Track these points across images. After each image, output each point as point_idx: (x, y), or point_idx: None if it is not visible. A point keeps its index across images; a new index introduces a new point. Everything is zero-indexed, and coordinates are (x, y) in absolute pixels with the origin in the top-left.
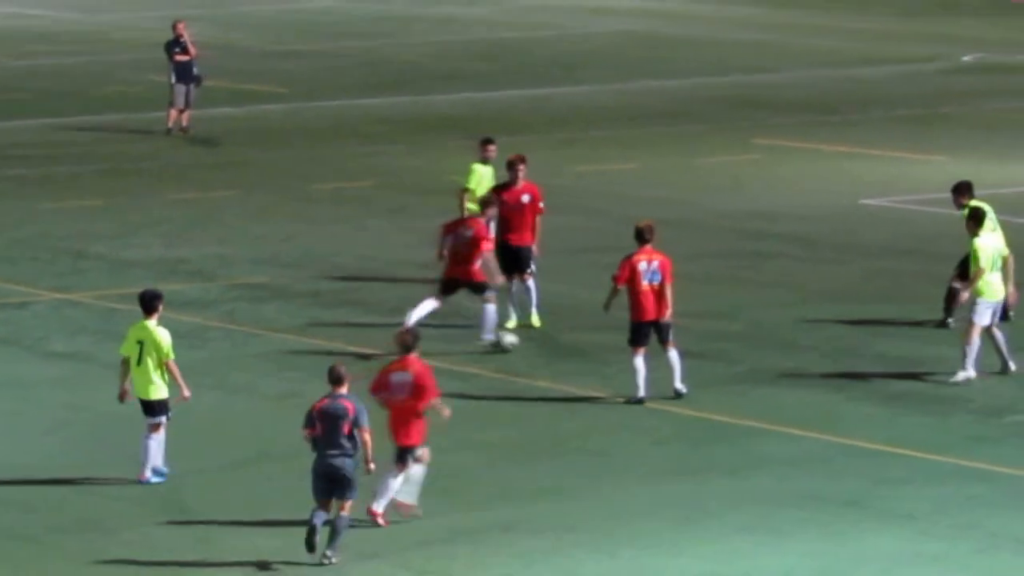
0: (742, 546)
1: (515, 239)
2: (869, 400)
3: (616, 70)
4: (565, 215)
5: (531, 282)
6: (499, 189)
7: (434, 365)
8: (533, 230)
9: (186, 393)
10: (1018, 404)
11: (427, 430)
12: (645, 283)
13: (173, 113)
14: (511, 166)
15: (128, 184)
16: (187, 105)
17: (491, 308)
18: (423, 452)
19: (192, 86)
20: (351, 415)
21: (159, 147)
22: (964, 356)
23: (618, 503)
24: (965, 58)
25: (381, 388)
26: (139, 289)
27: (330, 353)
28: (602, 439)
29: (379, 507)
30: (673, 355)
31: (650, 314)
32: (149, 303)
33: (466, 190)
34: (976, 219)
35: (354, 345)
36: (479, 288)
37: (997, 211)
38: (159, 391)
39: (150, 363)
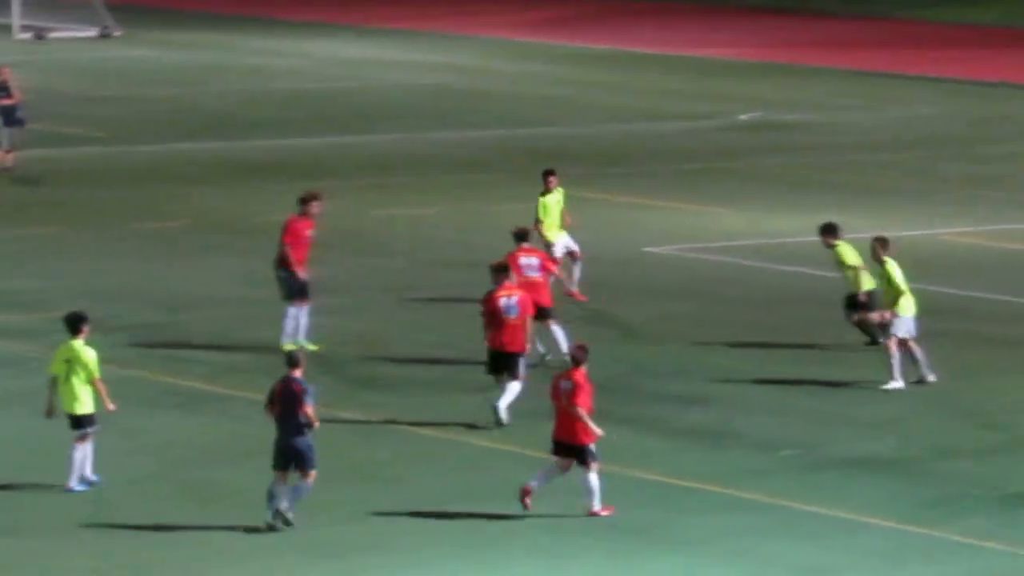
0: (527, 571)
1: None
2: (653, 434)
3: (415, 121)
4: (369, 256)
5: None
6: (292, 221)
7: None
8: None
9: (111, 407)
10: (788, 439)
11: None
12: (507, 316)
13: None
14: (304, 202)
15: None
16: (11, 147)
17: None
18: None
19: (16, 128)
20: (303, 395)
21: None
22: (890, 368)
23: (405, 528)
24: (742, 116)
25: (554, 394)
26: None
27: (156, 384)
28: (401, 467)
29: (597, 504)
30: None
31: (510, 346)
32: (75, 324)
33: (539, 222)
34: (882, 244)
35: (170, 375)
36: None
37: (765, 259)
38: (86, 406)
39: (76, 381)
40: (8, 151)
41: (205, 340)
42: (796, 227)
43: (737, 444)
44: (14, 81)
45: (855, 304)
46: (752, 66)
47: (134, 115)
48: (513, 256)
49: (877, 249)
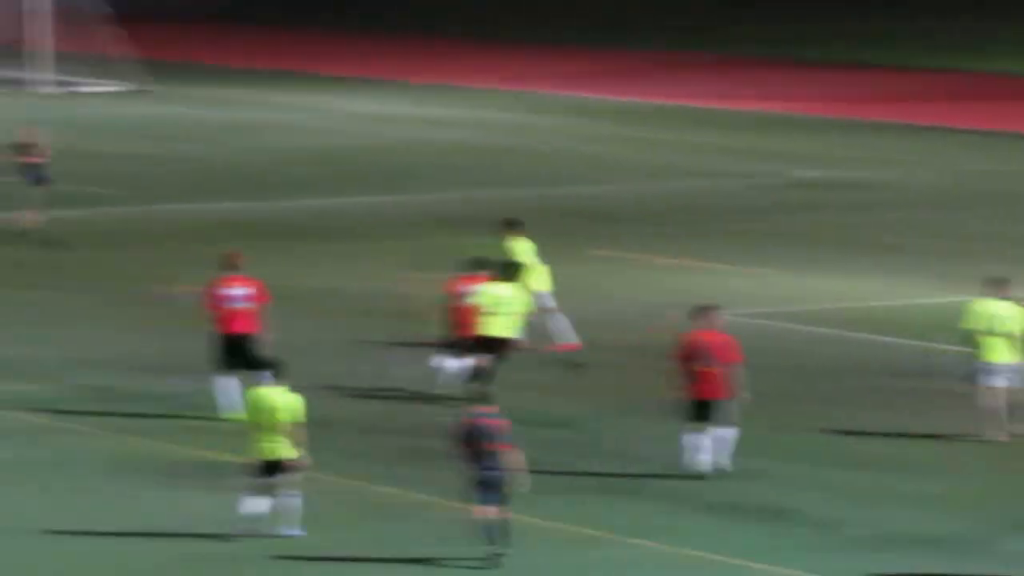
0: None
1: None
2: (702, 510)
3: (449, 180)
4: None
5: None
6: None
7: None
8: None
9: (302, 457)
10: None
11: None
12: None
13: (23, 215)
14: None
15: None
16: (35, 207)
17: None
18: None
19: (42, 188)
20: (498, 433)
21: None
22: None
23: None
24: (795, 173)
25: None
26: None
27: (161, 455)
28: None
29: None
30: None
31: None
32: (274, 370)
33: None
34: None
35: (194, 448)
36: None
37: (819, 324)
38: (284, 452)
39: (276, 426)
40: (33, 212)
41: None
42: (860, 291)
43: (790, 521)
44: (41, 140)
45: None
46: (807, 121)
47: (160, 173)
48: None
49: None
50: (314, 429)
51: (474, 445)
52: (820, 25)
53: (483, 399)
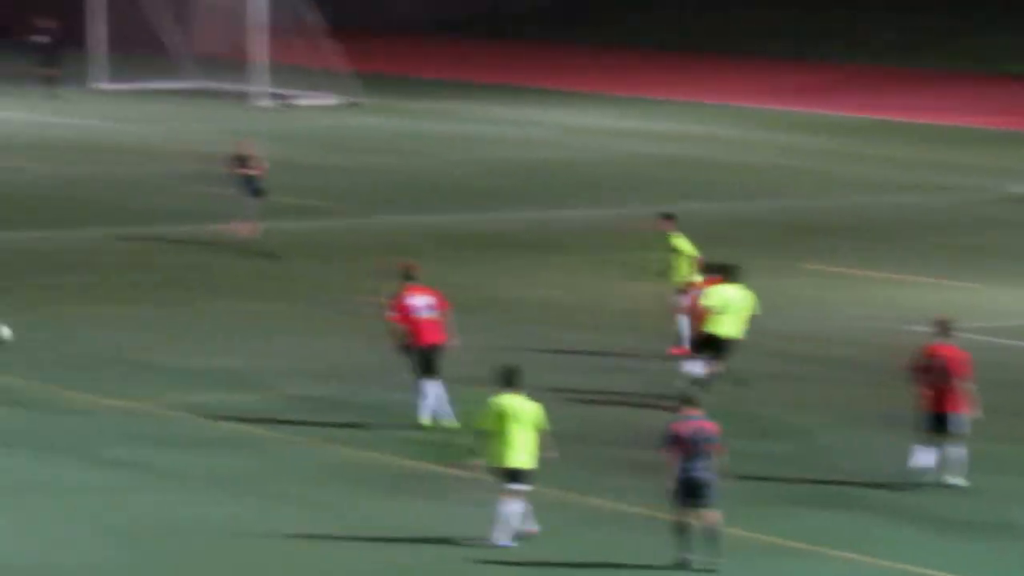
0: None
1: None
2: (924, 523)
3: (659, 193)
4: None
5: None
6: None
7: None
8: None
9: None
10: None
11: None
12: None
13: (240, 225)
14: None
15: (185, 294)
16: (252, 218)
17: None
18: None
19: (258, 200)
20: (709, 436)
21: (215, 258)
22: None
23: None
24: (1009, 188)
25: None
26: (199, 397)
27: (379, 465)
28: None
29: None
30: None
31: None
32: (513, 378)
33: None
34: None
35: (406, 458)
36: None
37: None
38: (526, 460)
39: (518, 434)
40: (248, 223)
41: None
42: None
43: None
44: (258, 152)
45: None
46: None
47: (373, 185)
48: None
49: None
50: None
51: (685, 448)
52: None
53: (691, 402)
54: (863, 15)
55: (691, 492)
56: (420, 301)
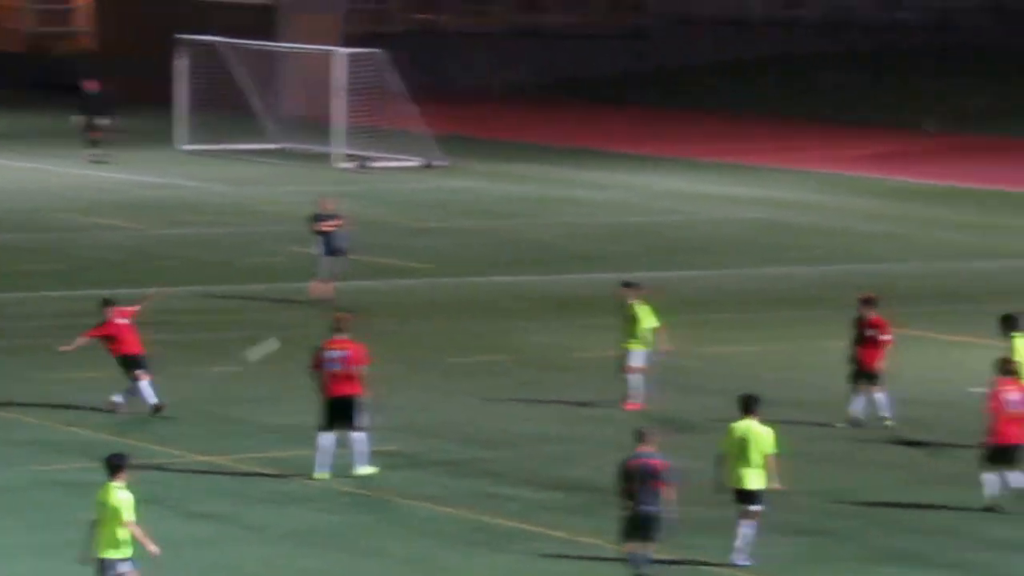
0: None
1: None
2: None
3: (744, 256)
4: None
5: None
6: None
7: None
8: None
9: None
10: None
11: None
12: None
13: (318, 284)
14: None
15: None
16: (332, 277)
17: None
18: None
19: (338, 258)
20: (661, 471)
21: (301, 316)
22: None
23: None
24: None
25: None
26: (278, 453)
27: (467, 521)
28: None
29: None
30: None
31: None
32: (751, 404)
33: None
34: None
35: (486, 514)
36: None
37: None
38: (759, 481)
39: (754, 457)
40: (328, 281)
41: (519, 477)
42: None
43: None
44: (336, 210)
45: None
46: None
47: (455, 247)
48: None
49: None
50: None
51: (632, 483)
52: None
53: (643, 438)
54: (952, 81)
55: (636, 526)
56: (334, 354)
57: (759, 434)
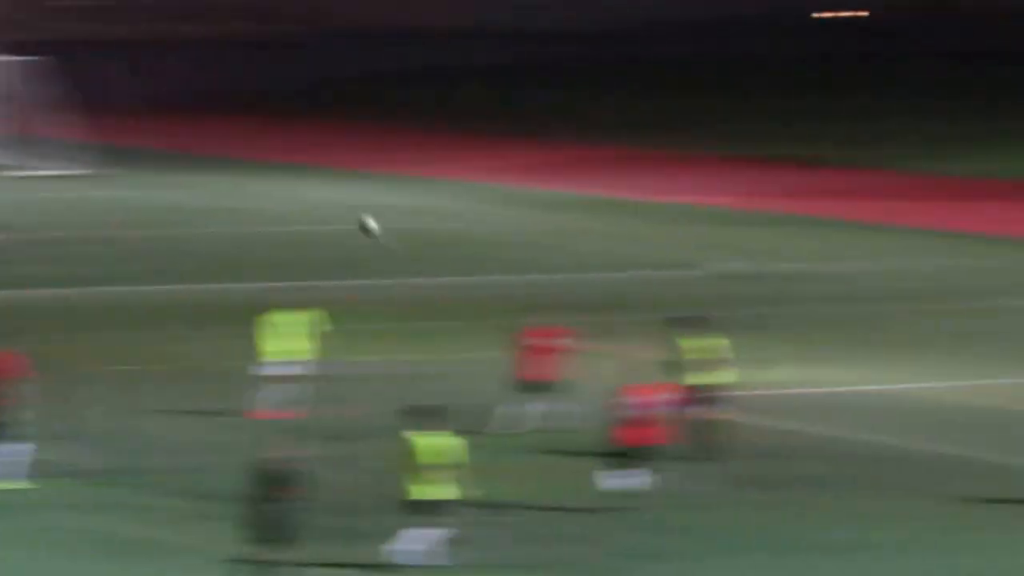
0: None
1: None
2: None
3: (399, 266)
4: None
5: None
6: None
7: None
8: None
9: None
10: None
11: None
12: None
13: None
14: None
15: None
16: None
17: None
18: None
19: None
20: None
21: None
22: None
23: None
24: (731, 265)
25: None
26: None
27: (110, 532)
28: None
29: None
30: None
31: None
32: (430, 417)
33: None
34: None
35: (130, 524)
36: None
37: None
38: (446, 492)
39: (437, 468)
40: None
41: (165, 487)
42: (790, 379)
43: None
44: None
45: None
46: (747, 216)
47: (103, 254)
48: None
49: None
50: None
51: (268, 487)
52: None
53: (277, 444)
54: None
55: (267, 529)
56: None
57: (444, 445)
